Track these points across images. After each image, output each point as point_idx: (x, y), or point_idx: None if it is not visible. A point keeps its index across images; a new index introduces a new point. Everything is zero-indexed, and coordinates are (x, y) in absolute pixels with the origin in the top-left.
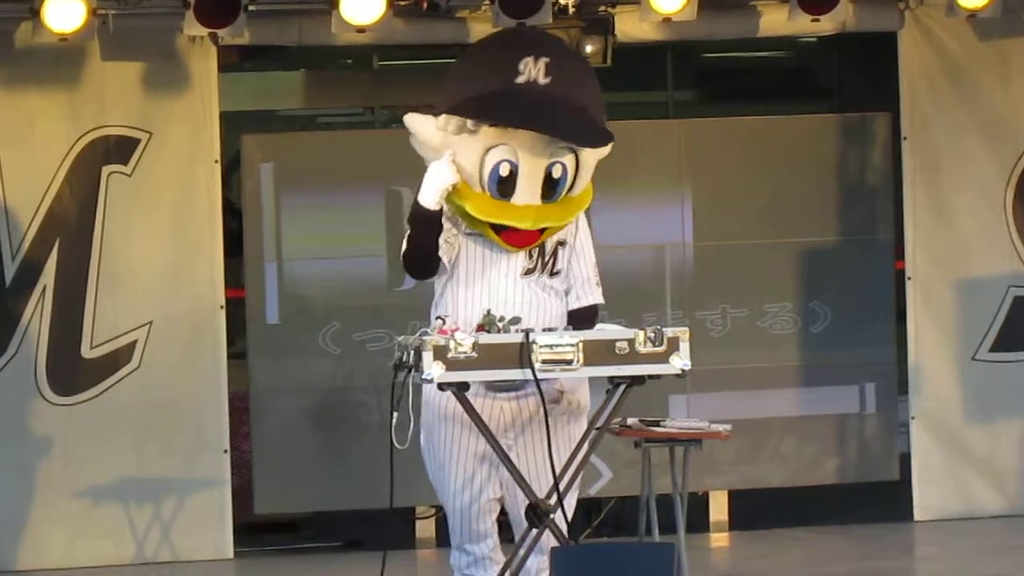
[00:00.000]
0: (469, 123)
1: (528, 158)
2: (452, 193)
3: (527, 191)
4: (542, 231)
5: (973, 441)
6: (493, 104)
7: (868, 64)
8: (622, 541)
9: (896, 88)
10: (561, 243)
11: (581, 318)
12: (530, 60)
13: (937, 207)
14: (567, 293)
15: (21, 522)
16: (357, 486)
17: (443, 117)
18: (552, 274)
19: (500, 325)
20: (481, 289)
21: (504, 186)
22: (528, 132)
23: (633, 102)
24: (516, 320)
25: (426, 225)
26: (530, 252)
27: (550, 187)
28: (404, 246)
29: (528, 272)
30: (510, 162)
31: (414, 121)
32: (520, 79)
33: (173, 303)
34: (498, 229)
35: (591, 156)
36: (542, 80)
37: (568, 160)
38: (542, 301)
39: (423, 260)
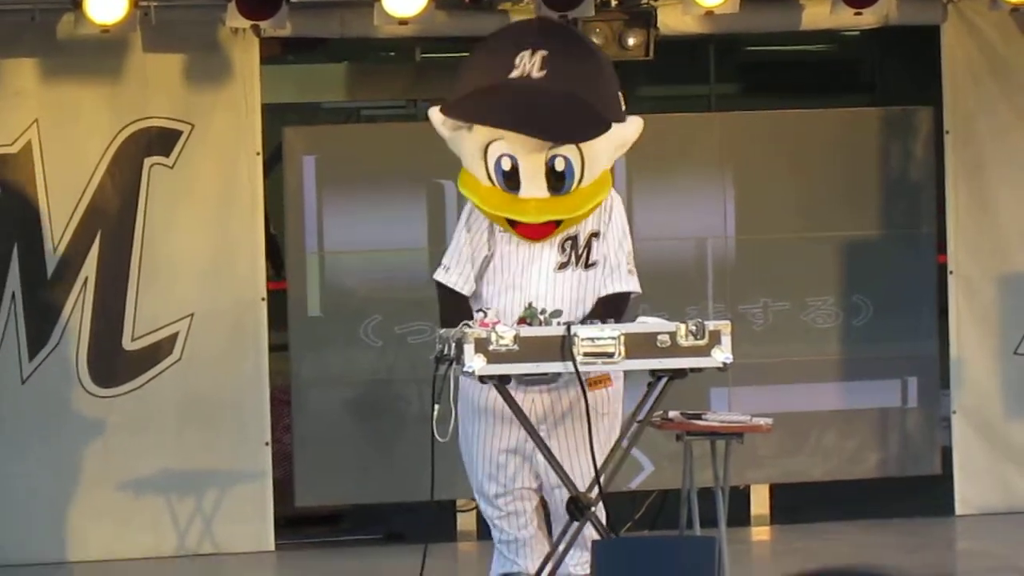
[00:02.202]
0: (461, 120)
1: (525, 152)
2: (466, 188)
3: (532, 185)
4: (557, 224)
5: (1014, 435)
6: (474, 103)
7: (910, 58)
8: (663, 534)
9: (939, 82)
10: (595, 234)
11: (603, 305)
12: (527, 54)
13: (980, 201)
14: None
15: (62, 514)
16: (398, 479)
17: (441, 115)
18: (588, 266)
19: (542, 318)
20: (516, 286)
21: (511, 180)
22: None
23: (675, 95)
24: (558, 313)
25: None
26: (563, 246)
27: (556, 180)
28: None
29: (562, 266)
30: (510, 156)
31: (432, 114)
32: (514, 73)
33: (214, 295)
34: (513, 222)
35: (600, 146)
36: (536, 74)
37: (569, 152)
38: (577, 295)
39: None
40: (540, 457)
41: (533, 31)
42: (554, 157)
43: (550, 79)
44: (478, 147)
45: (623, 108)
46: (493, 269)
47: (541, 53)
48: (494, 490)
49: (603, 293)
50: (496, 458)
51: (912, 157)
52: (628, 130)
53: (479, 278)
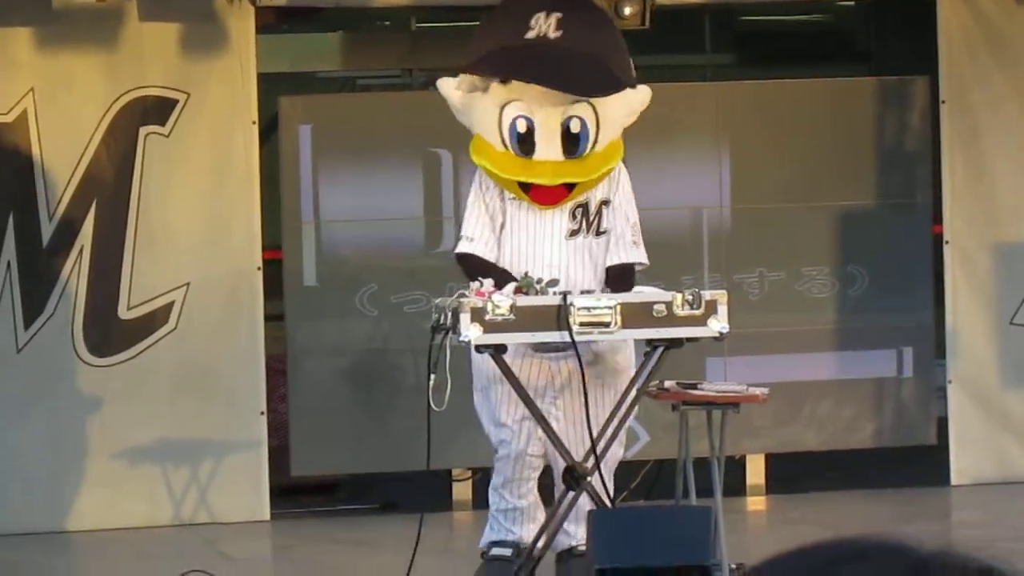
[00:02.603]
0: (478, 81)
1: (542, 113)
2: (479, 155)
3: (547, 147)
4: (570, 188)
5: (1010, 405)
6: (493, 59)
7: (906, 27)
8: (659, 504)
9: (934, 52)
10: (605, 202)
11: (610, 276)
12: (542, 15)
13: (975, 171)
14: None
15: (58, 484)
16: (394, 448)
17: (459, 76)
18: (598, 234)
19: (538, 287)
20: (528, 253)
21: (525, 143)
22: (539, 87)
23: (671, 65)
24: (554, 282)
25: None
26: (573, 213)
27: (571, 143)
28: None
29: (573, 233)
30: (526, 118)
31: (441, 85)
32: (530, 34)
33: (210, 264)
34: (526, 188)
35: (614, 109)
36: (552, 34)
37: (585, 114)
38: (588, 263)
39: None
40: (552, 423)
41: None
42: (570, 118)
43: (566, 39)
44: (494, 109)
45: (634, 75)
46: (504, 237)
47: (556, 15)
48: (515, 449)
49: (607, 264)
50: (519, 420)
51: (908, 127)
52: (639, 97)
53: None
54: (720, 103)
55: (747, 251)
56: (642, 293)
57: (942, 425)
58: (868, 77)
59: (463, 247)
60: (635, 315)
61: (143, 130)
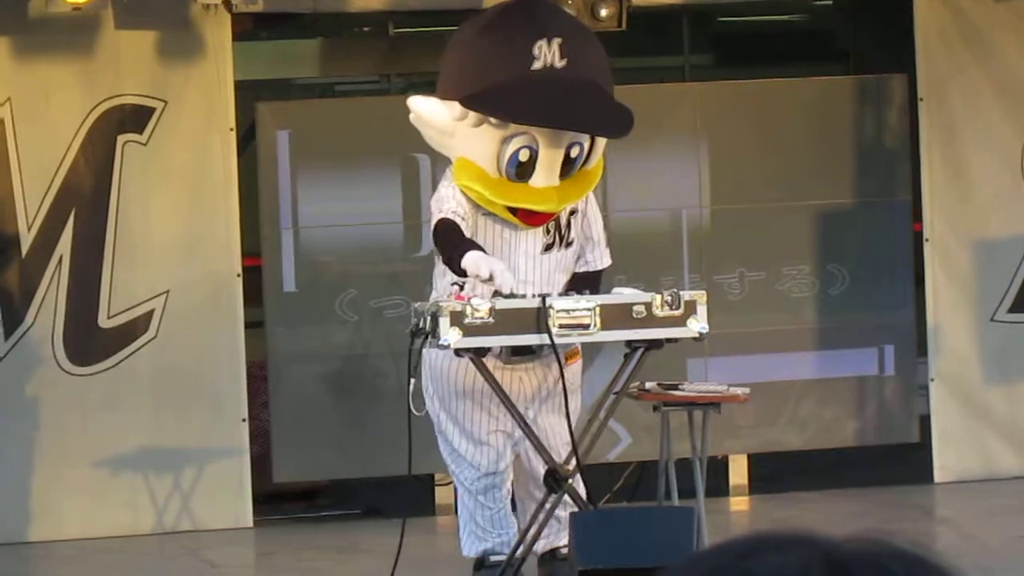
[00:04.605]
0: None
1: (548, 144)
2: (473, 180)
3: (545, 174)
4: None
5: (992, 402)
6: (513, 101)
7: (884, 26)
8: (642, 506)
9: (912, 50)
10: (573, 212)
11: (590, 280)
12: (543, 43)
13: (954, 168)
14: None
15: (39, 494)
16: (376, 453)
17: (460, 109)
18: (567, 245)
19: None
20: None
21: (522, 169)
22: None
23: (649, 66)
24: None
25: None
26: (547, 227)
27: (567, 166)
28: (441, 251)
29: (547, 248)
30: (530, 148)
31: (421, 105)
32: (536, 65)
33: (190, 272)
34: (514, 209)
35: None
36: (558, 63)
37: (584, 138)
38: (561, 275)
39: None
40: (520, 432)
41: (539, 17)
42: (572, 145)
43: (571, 68)
44: (500, 139)
45: None
46: None
47: (557, 41)
48: (484, 469)
49: (583, 269)
50: (486, 439)
51: (886, 125)
52: None
53: None
54: (698, 104)
55: (727, 251)
56: (621, 294)
57: (925, 423)
58: (846, 76)
59: (450, 216)
60: (614, 316)
61: (121, 138)
